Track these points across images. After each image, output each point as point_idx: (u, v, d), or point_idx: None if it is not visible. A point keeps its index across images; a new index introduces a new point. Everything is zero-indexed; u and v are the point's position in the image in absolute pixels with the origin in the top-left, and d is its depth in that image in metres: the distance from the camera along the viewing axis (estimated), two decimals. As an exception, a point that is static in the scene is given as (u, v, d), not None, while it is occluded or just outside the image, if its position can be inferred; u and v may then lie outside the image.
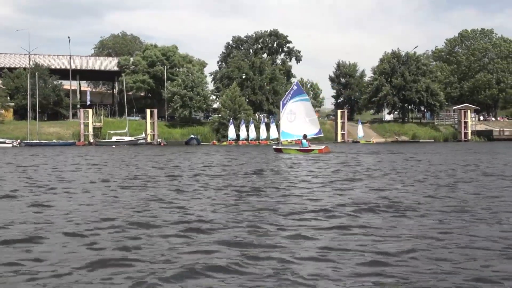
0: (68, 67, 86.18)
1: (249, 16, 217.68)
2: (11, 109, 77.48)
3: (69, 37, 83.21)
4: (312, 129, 37.84)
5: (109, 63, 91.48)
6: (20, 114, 78.84)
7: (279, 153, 36.48)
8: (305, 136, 36.49)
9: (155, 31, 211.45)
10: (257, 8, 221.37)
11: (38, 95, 79.31)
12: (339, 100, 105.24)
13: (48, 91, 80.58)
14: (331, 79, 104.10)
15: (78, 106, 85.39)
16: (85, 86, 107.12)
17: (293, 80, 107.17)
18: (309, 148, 36.19)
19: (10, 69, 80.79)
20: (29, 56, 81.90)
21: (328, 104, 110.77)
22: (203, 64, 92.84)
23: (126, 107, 76.46)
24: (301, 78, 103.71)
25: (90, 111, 73.86)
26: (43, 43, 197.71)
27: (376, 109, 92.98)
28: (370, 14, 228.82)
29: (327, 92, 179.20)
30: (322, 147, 37.36)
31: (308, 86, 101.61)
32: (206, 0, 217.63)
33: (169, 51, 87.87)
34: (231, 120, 75.27)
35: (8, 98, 78.02)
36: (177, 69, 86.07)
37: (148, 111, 75.81)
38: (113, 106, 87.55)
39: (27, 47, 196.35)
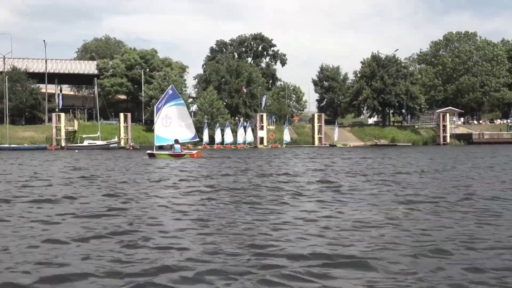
0: (48, 71, 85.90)
1: (245, 19, 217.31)
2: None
3: (44, 40, 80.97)
4: (187, 134, 37.97)
5: (89, 67, 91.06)
6: (-3, 118, 78.44)
7: (152, 158, 36.25)
8: (176, 141, 36.61)
9: (151, 34, 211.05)
10: (253, 11, 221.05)
11: (14, 99, 79.05)
12: (322, 104, 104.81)
13: (25, 95, 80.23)
14: (314, 82, 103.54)
15: (57, 110, 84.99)
16: (67, 90, 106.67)
17: (279, 83, 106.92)
18: (181, 153, 36.46)
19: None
20: (4, 60, 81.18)
21: (313, 107, 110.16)
22: (182, 67, 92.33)
23: (98, 110, 75.93)
24: (283, 82, 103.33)
25: (62, 115, 73.37)
26: (38, 46, 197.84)
27: (356, 112, 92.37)
28: (366, 17, 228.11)
29: (313, 96, 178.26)
30: (194, 152, 38.27)
31: (291, 89, 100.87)
32: (202, 3, 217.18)
33: (148, 54, 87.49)
34: (205, 124, 74.71)
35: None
36: (156, 73, 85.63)
37: (121, 115, 75.35)
38: (90, 110, 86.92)
39: (28, 51, 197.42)
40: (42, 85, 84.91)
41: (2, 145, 67.07)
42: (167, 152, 38.09)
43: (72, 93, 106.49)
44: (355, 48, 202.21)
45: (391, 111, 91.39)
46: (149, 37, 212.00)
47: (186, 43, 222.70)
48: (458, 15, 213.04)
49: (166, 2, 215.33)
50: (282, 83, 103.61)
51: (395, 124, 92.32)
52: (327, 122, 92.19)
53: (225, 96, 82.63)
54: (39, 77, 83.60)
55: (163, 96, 38.70)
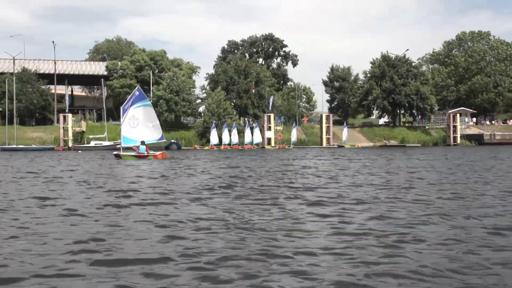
0: (58, 72, 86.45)
1: (261, 20, 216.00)
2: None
3: (53, 41, 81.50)
4: (154, 135, 38.26)
5: (99, 68, 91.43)
6: (5, 119, 78.85)
7: (119, 159, 36.37)
8: (142, 142, 36.93)
9: (167, 36, 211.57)
10: (268, 13, 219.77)
11: (24, 99, 79.55)
12: (333, 104, 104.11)
13: (35, 96, 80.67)
14: (324, 83, 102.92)
15: (67, 110, 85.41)
16: (79, 91, 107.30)
17: (290, 84, 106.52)
18: (145, 154, 36.69)
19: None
20: (13, 61, 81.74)
21: (325, 108, 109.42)
22: (191, 69, 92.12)
23: (105, 111, 76.19)
24: (293, 82, 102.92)
25: (69, 115, 73.72)
26: (56, 48, 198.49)
27: (366, 113, 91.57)
28: (382, 18, 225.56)
29: (325, 96, 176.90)
30: (158, 153, 38.24)
31: (301, 89, 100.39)
32: (218, 5, 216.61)
33: (157, 55, 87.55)
34: (213, 125, 74.51)
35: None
36: (165, 73, 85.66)
37: (128, 115, 75.18)
38: (99, 110, 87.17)
39: (45, 52, 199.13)
40: (52, 86, 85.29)
41: (9, 146, 67.36)
42: (132, 153, 38.10)
43: (84, 94, 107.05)
44: (370, 49, 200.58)
45: (402, 112, 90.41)
46: (165, 39, 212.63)
47: (202, 45, 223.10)
48: (476, 15, 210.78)
49: (183, 4, 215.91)
50: (292, 83, 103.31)
51: (406, 124, 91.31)
52: (338, 123, 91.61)
53: (234, 96, 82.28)
54: (50, 78, 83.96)
55: (129, 97, 38.62)
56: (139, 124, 37.63)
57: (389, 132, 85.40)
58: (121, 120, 38.54)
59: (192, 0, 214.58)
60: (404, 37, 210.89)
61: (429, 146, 78.50)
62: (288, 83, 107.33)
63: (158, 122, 39.04)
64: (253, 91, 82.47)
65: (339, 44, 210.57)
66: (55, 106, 79.52)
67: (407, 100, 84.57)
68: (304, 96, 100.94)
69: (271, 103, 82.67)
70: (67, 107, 78.01)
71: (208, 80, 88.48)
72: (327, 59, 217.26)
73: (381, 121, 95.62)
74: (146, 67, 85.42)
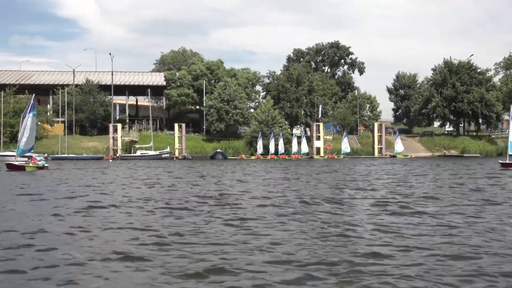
0: (119, 83, 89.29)
1: (350, 28, 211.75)
2: (59, 124, 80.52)
3: (110, 53, 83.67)
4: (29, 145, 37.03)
5: (159, 78, 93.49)
6: (70, 129, 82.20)
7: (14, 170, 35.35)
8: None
9: (257, 46, 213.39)
10: (358, 20, 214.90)
11: (86, 110, 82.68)
12: (398, 113, 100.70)
13: (97, 106, 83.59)
14: (389, 90, 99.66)
15: (127, 120, 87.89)
16: (144, 101, 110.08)
17: (354, 92, 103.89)
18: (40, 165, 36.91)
19: (62, 86, 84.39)
20: (74, 73, 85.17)
21: (390, 116, 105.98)
22: (248, 78, 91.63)
23: (150, 120, 77.75)
24: (357, 91, 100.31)
25: (119, 125, 75.59)
26: (150, 60, 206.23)
27: (427, 121, 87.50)
28: (477, 23, 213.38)
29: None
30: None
31: (366, 98, 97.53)
32: (307, 14, 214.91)
33: (213, 65, 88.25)
34: (260, 134, 73.92)
35: (55, 113, 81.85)
36: (219, 83, 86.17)
37: (176, 125, 76.27)
38: (154, 120, 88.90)
39: (138, 65, 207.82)
40: (114, 97, 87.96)
41: (60, 155, 69.89)
42: (32, 165, 37.15)
43: (149, 103, 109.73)
44: (463, 55, 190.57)
45: (466, 120, 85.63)
46: (255, 49, 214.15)
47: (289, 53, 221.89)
48: None
49: (272, 15, 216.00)
50: (356, 92, 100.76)
51: (469, 133, 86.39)
52: (404, 132, 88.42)
53: (285, 105, 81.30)
54: (114, 89, 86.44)
55: (27, 106, 37.62)
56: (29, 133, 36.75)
57: (450, 141, 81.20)
58: (20, 129, 37.12)
59: (282, 11, 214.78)
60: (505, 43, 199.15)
61: (492, 156, 73.72)
62: (355, 92, 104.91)
63: (34, 133, 38.24)
64: (305, 99, 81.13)
65: (426, 51, 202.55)
66: (111, 116, 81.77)
67: (470, 108, 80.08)
68: (368, 105, 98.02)
69: (320, 112, 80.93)
70: (117, 117, 79.93)
71: (261, 88, 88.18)
72: (418, 65, 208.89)
73: (444, 130, 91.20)
74: (203, 77, 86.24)
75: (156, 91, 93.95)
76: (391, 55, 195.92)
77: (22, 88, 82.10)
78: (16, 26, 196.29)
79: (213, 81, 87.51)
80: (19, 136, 36.72)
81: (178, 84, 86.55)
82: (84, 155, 71.51)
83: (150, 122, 79.63)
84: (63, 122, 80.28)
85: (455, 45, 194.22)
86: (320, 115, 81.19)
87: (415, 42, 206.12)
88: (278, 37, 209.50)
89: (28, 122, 35.77)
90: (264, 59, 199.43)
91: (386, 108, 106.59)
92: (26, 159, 37.08)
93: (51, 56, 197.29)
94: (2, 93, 76.56)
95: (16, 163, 36.81)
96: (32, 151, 38.06)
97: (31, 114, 36.03)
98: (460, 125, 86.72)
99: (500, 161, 36.94)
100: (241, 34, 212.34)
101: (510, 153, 34.76)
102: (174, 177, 29.30)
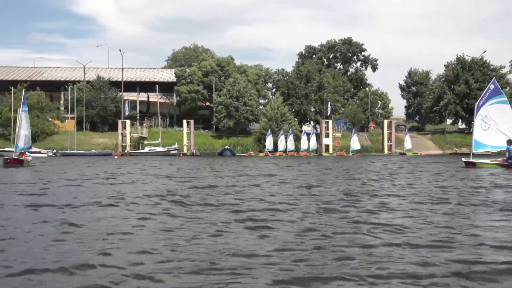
0: (130, 79, 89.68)
1: (367, 25, 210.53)
2: (69, 121, 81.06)
3: (120, 49, 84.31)
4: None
5: (169, 75, 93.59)
6: (81, 125, 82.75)
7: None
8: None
9: (272, 43, 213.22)
10: (375, 17, 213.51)
11: (97, 106, 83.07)
12: (410, 110, 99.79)
13: (108, 103, 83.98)
14: (401, 87, 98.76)
15: (138, 117, 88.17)
16: (156, 97, 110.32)
17: (366, 89, 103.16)
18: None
19: (73, 82, 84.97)
20: (84, 70, 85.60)
21: (402, 113, 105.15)
22: (258, 74, 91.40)
23: (159, 117, 77.80)
24: (368, 88, 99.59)
25: (127, 122, 75.80)
26: (166, 57, 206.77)
27: (438, 118, 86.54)
28: (495, 20, 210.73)
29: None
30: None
31: (377, 95, 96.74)
32: (323, 11, 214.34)
33: (223, 61, 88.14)
34: (269, 131, 73.67)
35: (67, 110, 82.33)
36: (229, 79, 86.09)
37: (184, 121, 76.33)
38: (163, 116, 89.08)
39: (155, 62, 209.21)
40: (125, 93, 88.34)
41: (69, 151, 70.28)
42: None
43: (162, 100, 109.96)
44: (480, 52, 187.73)
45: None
46: (271, 46, 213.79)
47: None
48: None
49: (288, 11, 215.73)
50: (367, 89, 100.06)
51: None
52: (416, 129, 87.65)
53: (294, 102, 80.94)
54: (124, 86, 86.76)
55: (21, 101, 37.02)
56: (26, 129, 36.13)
57: (461, 139, 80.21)
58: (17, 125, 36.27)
59: (298, 8, 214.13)
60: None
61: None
62: (367, 88, 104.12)
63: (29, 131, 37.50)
64: (314, 96, 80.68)
65: (442, 48, 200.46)
66: (121, 112, 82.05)
67: (483, 105, 78.91)
68: (380, 102, 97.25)
69: (329, 109, 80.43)
70: (126, 113, 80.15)
71: (271, 85, 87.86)
72: (434, 63, 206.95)
73: (457, 127, 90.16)
74: (213, 73, 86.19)
75: (166, 87, 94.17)
76: (407, 53, 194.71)
77: (34, 85, 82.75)
78: (34, 23, 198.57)
79: (223, 77, 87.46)
80: (16, 133, 36.34)
81: (188, 80, 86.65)
82: (93, 151, 71.83)
83: (159, 118, 79.86)
84: (74, 118, 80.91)
85: (472, 42, 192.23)
86: (329, 112, 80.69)
87: (432, 39, 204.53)
88: (295, 34, 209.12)
89: (22, 118, 35.47)
90: (280, 56, 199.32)
91: (399, 105, 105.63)
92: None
93: (69, 53, 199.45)
94: (12, 89, 77.11)
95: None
96: (30, 149, 37.72)
97: (22, 110, 35.71)
98: (473, 122, 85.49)
99: (463, 159, 35.49)
100: (258, 31, 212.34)
101: (474, 151, 33.34)
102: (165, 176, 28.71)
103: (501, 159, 30.88)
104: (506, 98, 31.87)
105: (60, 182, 20.11)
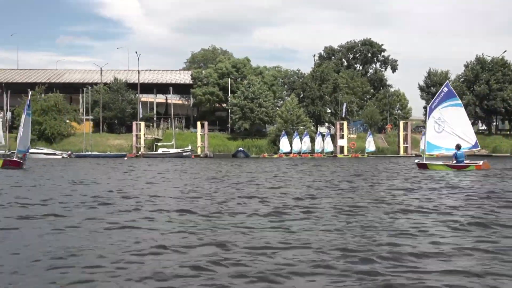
0: (147, 81, 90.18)
1: (394, 25, 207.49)
2: (87, 122, 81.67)
3: (136, 52, 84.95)
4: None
5: (186, 77, 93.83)
6: (99, 127, 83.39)
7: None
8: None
9: (297, 44, 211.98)
10: (402, 17, 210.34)
11: (114, 108, 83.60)
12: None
13: (125, 105, 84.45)
14: (420, 88, 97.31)
15: (155, 118, 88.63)
16: (176, 99, 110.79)
17: (386, 90, 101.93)
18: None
19: (91, 85, 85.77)
20: (101, 72, 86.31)
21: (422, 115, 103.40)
22: (274, 76, 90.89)
23: (173, 119, 77.91)
24: (387, 88, 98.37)
25: (142, 123, 76.09)
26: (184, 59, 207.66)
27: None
28: None
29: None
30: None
31: (396, 96, 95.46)
32: (349, 12, 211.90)
33: (239, 63, 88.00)
34: (283, 132, 73.23)
35: (83, 111, 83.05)
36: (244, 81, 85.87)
37: (198, 123, 76.38)
38: (180, 118, 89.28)
39: (179, 63, 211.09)
40: (141, 95, 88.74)
41: (83, 153, 70.82)
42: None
43: (180, 102, 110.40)
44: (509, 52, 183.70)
45: (499, 118, 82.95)
46: (295, 47, 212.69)
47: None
48: None
49: (313, 12, 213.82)
50: (387, 89, 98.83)
51: (502, 132, 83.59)
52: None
53: (309, 103, 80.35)
54: (141, 87, 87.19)
55: (26, 104, 36.42)
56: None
57: (480, 140, 77.62)
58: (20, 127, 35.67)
59: (324, 9, 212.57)
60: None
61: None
62: (387, 89, 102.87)
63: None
64: (329, 98, 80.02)
65: (471, 48, 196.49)
66: (138, 114, 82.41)
67: (503, 106, 77.47)
68: (398, 103, 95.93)
69: (344, 110, 79.65)
70: (141, 115, 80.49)
71: (286, 86, 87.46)
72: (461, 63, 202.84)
73: (477, 128, 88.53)
74: (229, 75, 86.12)
75: (183, 89, 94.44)
76: (435, 53, 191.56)
77: (53, 87, 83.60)
78: (63, 26, 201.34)
79: (239, 79, 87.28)
80: (18, 135, 36.04)
81: (204, 82, 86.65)
82: (108, 152, 72.28)
83: (173, 120, 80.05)
84: (91, 119, 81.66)
85: (501, 42, 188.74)
86: (344, 114, 79.94)
87: (460, 39, 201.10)
88: (320, 34, 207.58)
89: (22, 121, 35.29)
90: (304, 57, 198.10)
91: (419, 106, 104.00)
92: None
93: (96, 56, 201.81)
94: (30, 91, 78.00)
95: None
96: (28, 152, 37.57)
97: (25, 114, 35.61)
98: (493, 123, 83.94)
99: (416, 161, 35.02)
100: (283, 33, 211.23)
101: (427, 153, 33.06)
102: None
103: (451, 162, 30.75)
104: (460, 101, 31.72)
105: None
